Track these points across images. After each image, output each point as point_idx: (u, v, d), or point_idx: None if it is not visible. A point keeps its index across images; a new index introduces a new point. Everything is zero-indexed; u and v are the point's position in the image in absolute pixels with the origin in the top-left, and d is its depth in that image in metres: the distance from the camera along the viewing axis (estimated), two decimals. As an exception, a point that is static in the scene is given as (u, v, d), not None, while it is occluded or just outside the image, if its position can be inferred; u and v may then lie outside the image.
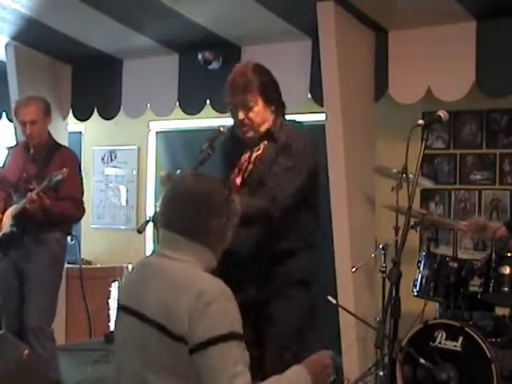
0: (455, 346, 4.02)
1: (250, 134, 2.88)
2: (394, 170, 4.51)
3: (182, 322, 1.87)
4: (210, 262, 2.12)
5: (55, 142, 4.66)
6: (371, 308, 4.90)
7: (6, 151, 4.79)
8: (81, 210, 4.48)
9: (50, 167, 4.34)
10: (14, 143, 5.12)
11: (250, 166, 2.86)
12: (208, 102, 5.67)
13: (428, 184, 4.88)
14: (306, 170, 2.82)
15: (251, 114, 2.82)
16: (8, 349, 2.98)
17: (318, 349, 2.20)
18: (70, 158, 4.54)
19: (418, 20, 4.76)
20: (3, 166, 4.70)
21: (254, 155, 2.88)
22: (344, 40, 4.68)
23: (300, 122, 3.12)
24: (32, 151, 4.49)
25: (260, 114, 2.83)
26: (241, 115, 2.82)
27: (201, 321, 1.86)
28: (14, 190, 4.44)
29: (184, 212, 2.06)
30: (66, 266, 4.59)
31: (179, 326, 1.87)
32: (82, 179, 4.59)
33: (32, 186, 4.23)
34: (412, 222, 4.28)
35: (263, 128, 2.87)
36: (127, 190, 7.30)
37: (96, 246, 7.11)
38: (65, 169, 4.14)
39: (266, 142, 2.88)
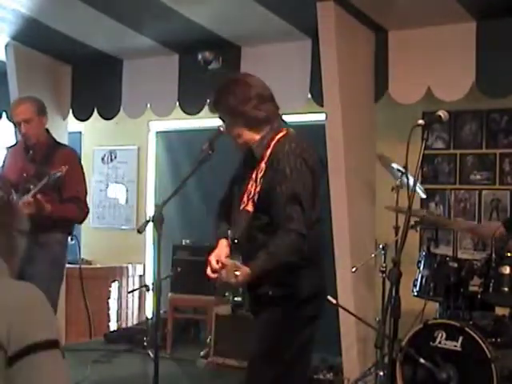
0: (455, 346, 4.02)
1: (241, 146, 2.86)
2: (394, 166, 4.54)
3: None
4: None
5: (55, 141, 4.60)
6: (371, 308, 4.90)
7: (5, 151, 4.75)
8: (84, 211, 4.43)
9: (50, 167, 4.24)
10: (12, 142, 5.05)
11: (258, 189, 2.71)
12: (208, 101, 5.67)
13: (421, 194, 4.86)
14: (304, 192, 2.66)
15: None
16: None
17: None
18: (71, 158, 4.46)
19: (418, 20, 4.76)
20: (2, 166, 4.67)
21: (260, 176, 2.73)
22: (344, 40, 4.68)
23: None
24: (31, 152, 4.46)
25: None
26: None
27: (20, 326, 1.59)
28: (14, 191, 4.42)
29: None
30: (66, 266, 4.57)
31: None
32: (84, 178, 4.54)
33: (32, 186, 4.19)
34: (412, 222, 4.29)
35: (248, 144, 2.81)
36: (127, 190, 7.30)
37: (96, 246, 7.11)
38: (63, 166, 4.10)
39: (265, 163, 2.75)
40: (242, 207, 2.74)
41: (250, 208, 2.71)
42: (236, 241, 2.72)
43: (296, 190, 2.62)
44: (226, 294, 2.74)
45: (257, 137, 2.78)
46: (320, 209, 2.80)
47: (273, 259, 2.61)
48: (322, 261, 2.87)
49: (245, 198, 2.74)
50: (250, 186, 2.74)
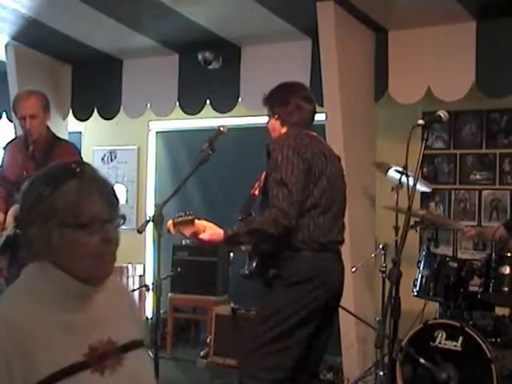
0: (455, 346, 4.02)
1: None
2: (394, 167, 4.52)
3: None
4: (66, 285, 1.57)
5: (54, 136, 4.57)
6: (371, 308, 4.90)
7: (4, 149, 4.72)
8: None
9: (50, 163, 4.23)
10: (10, 139, 4.98)
11: (265, 176, 3.09)
12: (208, 102, 5.67)
13: (425, 188, 4.87)
14: (292, 177, 2.95)
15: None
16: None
17: None
18: (70, 152, 4.44)
19: (418, 20, 4.76)
20: (1, 165, 4.64)
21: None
22: (344, 40, 4.68)
23: None
24: (31, 148, 4.42)
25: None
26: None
27: None
28: (15, 189, 4.40)
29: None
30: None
31: None
32: None
33: None
34: (412, 222, 4.29)
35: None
36: (127, 190, 7.30)
37: (96, 246, 7.09)
38: None
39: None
40: (251, 191, 3.16)
41: (256, 192, 3.15)
42: (240, 218, 3.17)
43: (283, 175, 2.93)
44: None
45: (283, 131, 3.19)
46: (321, 197, 3.12)
47: (247, 225, 2.96)
48: (327, 246, 3.19)
49: (256, 184, 3.18)
50: (262, 174, 3.14)
